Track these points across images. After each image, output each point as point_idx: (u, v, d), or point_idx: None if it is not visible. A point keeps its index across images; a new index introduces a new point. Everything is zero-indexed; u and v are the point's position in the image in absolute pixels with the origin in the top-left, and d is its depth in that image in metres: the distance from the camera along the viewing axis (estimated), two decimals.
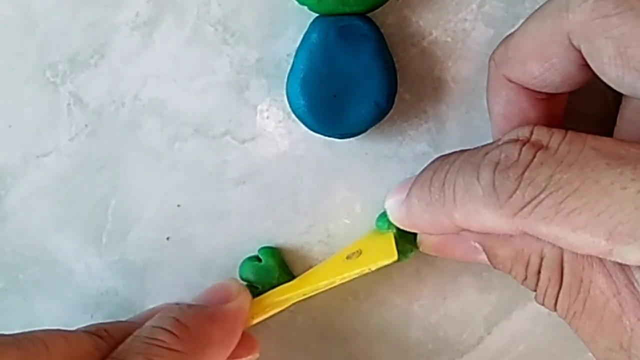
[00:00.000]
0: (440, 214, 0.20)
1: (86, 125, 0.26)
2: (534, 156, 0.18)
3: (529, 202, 0.17)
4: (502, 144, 0.19)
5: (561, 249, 0.19)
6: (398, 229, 0.24)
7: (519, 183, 0.18)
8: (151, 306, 0.27)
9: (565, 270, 0.19)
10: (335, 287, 0.24)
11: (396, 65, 0.24)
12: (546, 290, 0.20)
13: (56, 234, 0.27)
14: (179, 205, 0.27)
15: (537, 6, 0.21)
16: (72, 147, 0.26)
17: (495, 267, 0.22)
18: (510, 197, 0.18)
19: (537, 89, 0.22)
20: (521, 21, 0.22)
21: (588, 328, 0.19)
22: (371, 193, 0.26)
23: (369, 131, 0.25)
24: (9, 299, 0.27)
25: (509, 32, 0.22)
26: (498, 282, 0.27)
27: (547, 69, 0.21)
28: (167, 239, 0.27)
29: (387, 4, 0.24)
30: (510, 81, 0.22)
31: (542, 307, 0.21)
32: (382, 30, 0.24)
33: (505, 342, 0.27)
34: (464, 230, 0.20)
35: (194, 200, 0.27)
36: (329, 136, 0.25)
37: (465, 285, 0.27)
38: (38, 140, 0.26)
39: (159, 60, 0.26)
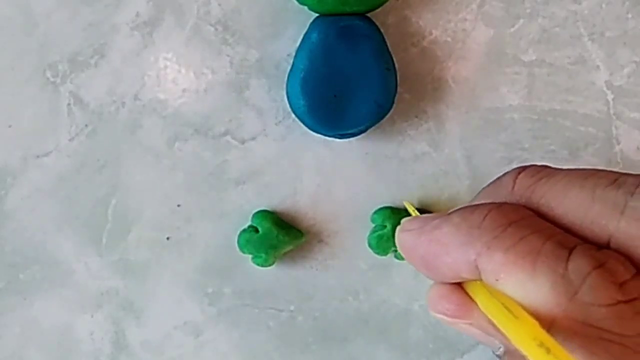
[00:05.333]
0: (473, 242, 0.16)
1: (86, 125, 0.26)
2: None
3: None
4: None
5: None
6: (394, 226, 0.24)
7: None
8: (151, 306, 0.27)
9: None
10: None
11: (396, 65, 0.24)
12: None
13: (56, 234, 0.27)
14: (179, 205, 0.27)
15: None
16: (72, 147, 0.26)
17: None
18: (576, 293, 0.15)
19: None
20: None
21: None
22: (371, 193, 0.26)
23: (369, 131, 0.25)
24: (9, 299, 0.27)
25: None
26: None
27: None
28: (167, 239, 0.27)
29: (387, 4, 0.24)
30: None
31: None
32: (382, 30, 0.24)
33: None
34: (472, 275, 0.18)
35: (194, 200, 0.27)
36: (329, 136, 0.25)
37: None
38: (38, 140, 0.26)
39: (159, 61, 0.26)
